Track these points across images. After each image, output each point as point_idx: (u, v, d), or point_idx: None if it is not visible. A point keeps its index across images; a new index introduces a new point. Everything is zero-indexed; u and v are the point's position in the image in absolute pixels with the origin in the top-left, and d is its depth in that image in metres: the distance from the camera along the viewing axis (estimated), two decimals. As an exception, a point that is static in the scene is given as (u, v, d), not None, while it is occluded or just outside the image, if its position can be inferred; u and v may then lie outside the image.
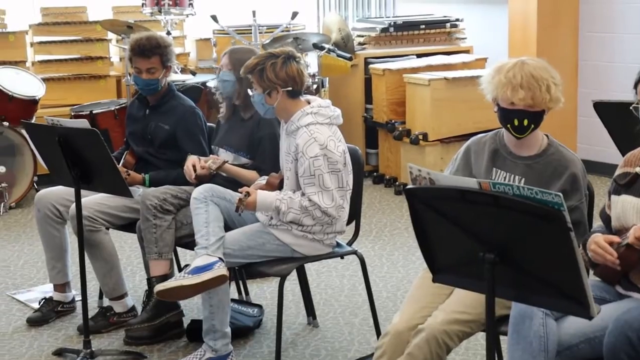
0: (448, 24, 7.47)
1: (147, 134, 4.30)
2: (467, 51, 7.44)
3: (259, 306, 4.37)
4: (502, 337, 2.98)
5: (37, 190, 6.27)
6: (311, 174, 3.60)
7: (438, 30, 7.45)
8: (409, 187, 2.52)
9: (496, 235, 2.38)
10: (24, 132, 6.14)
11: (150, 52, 4.18)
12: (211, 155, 4.08)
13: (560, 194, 2.24)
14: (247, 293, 4.56)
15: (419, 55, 7.18)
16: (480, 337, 3.82)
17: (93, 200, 4.12)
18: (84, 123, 3.62)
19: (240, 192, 3.60)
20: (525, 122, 3.02)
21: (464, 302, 2.98)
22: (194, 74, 6.73)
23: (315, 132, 3.62)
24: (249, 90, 3.74)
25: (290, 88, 3.66)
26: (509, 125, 3.06)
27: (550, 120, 3.19)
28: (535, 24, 6.82)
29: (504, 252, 2.38)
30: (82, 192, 3.74)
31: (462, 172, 3.18)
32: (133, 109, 4.44)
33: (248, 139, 4.02)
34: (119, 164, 4.03)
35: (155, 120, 4.29)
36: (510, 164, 3.12)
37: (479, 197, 2.35)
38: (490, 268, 2.40)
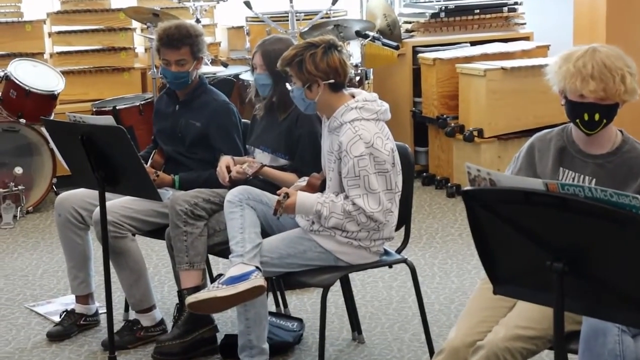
0: (505, 8, 7.42)
1: (177, 132, 4.32)
2: (526, 38, 7.37)
3: (299, 320, 4.37)
4: (571, 356, 2.95)
5: (57, 193, 6.36)
6: (356, 174, 3.59)
7: (494, 15, 7.40)
8: (467, 188, 2.50)
9: (565, 242, 2.35)
10: (42, 130, 6.21)
11: (179, 42, 4.20)
12: (247, 158, 4.09)
13: (639, 197, 2.21)
14: (285, 305, 4.57)
15: (473, 43, 7.13)
16: (545, 356, 3.78)
17: (118, 204, 4.15)
18: (109, 120, 3.64)
19: (279, 195, 3.61)
20: (597, 116, 2.98)
21: (528, 316, 2.95)
22: (225, 65, 6.76)
23: (361, 129, 3.61)
24: (287, 85, 3.74)
25: (332, 80, 3.66)
26: (578, 120, 3.02)
27: (624, 114, 3.14)
28: (605, 7, 6.74)
29: (574, 261, 2.36)
30: (107, 195, 3.76)
31: (524, 172, 3.15)
32: (161, 104, 4.46)
33: (286, 137, 4.02)
34: (146, 165, 4.05)
35: (186, 116, 4.31)
36: (579, 163, 3.08)
37: (546, 199, 2.32)
38: (559, 278, 2.38)
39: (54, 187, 6.47)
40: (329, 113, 3.70)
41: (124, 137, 3.56)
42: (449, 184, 6.63)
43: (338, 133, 3.66)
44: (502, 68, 6.32)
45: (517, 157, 3.23)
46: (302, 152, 3.99)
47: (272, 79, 4.01)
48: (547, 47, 7.03)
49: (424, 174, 6.95)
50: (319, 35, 6.64)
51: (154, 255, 5.44)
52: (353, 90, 3.81)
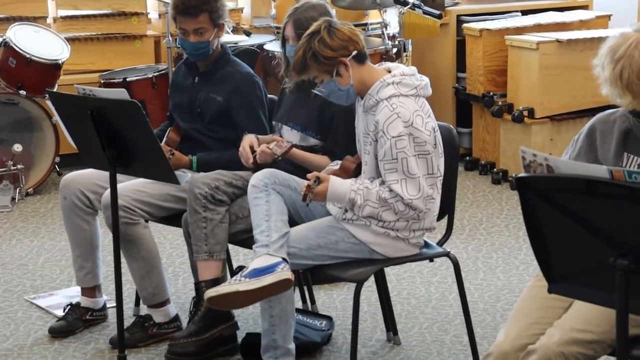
0: (562, -28, 7.40)
1: (195, 107, 4.35)
2: (585, 7, 7.34)
3: (329, 318, 4.39)
4: (633, 362, 2.96)
5: (60, 174, 6.46)
6: (393, 157, 3.60)
7: (549, -21, 7.38)
8: (521, 175, 2.50)
9: (631, 236, 2.35)
10: (44, 102, 6.26)
11: (197, 9, 4.22)
12: (274, 136, 4.10)
13: None
14: (313, 302, 4.59)
15: (525, 12, 7.11)
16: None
17: (130, 186, 4.19)
18: (122, 93, 3.67)
19: (309, 179, 3.63)
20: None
21: (586, 318, 2.95)
22: (248, 34, 6.78)
23: (399, 106, 3.62)
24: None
25: (354, 52, 3.67)
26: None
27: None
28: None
29: (641, 258, 2.36)
30: (118, 177, 3.79)
31: (584, 157, 3.15)
32: (179, 76, 4.49)
33: (318, 114, 4.04)
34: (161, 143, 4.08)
35: (206, 90, 4.33)
36: (646, 148, 3.08)
37: (611, 188, 2.32)
38: (623, 277, 2.38)
39: (56, 166, 6.53)
40: (363, 90, 3.72)
41: (139, 113, 3.58)
42: (495, 170, 6.63)
43: (374, 112, 3.67)
44: (557, 40, 6.30)
45: (576, 140, 3.23)
46: (336, 131, 4.01)
47: None
48: (609, 17, 7.00)
49: (467, 157, 6.96)
50: (350, 1, 6.68)
51: (167, 244, 5.48)
52: (389, 64, 3.83)
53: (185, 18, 4.25)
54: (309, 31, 3.72)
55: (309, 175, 3.65)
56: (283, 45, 4.18)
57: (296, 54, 3.70)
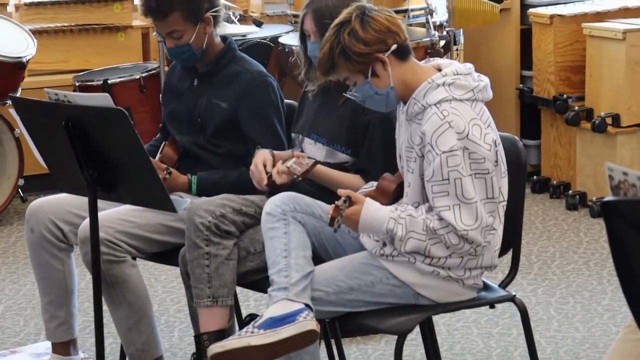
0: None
1: (195, 116, 4.36)
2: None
3: (362, 380, 4.39)
4: None
5: (24, 200, 6.48)
6: (444, 177, 3.60)
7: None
8: (608, 199, 2.49)
9: None
10: (7, 111, 6.28)
11: (160, 11, 4.25)
12: (293, 152, 4.11)
13: None
14: (343, 358, 4.58)
15: (607, -6, 7.13)
16: None
17: (114, 215, 4.20)
18: (104, 99, 3.68)
19: (339, 196, 3.61)
20: None
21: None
22: (259, 24, 6.81)
23: (451, 114, 3.63)
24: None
25: (394, 46, 3.67)
26: None
27: None
28: None
29: None
30: (99, 203, 3.80)
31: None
32: (174, 77, 4.51)
33: (349, 124, 4.04)
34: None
35: (208, 94, 4.35)
36: None
37: None
38: None
39: (20, 190, 6.54)
40: (406, 94, 3.72)
41: (125, 124, 3.60)
42: (570, 192, 6.63)
43: (420, 120, 3.67)
44: (649, 29, 6.33)
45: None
46: (371, 145, 4.01)
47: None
48: None
49: (535, 177, 6.96)
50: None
51: (159, 286, 5.50)
52: (439, 60, 3.83)
53: (155, 22, 4.30)
54: (337, 20, 3.72)
55: (339, 192, 3.64)
56: (302, 41, 4.19)
57: (321, 49, 3.70)
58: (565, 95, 6.64)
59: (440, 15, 6.81)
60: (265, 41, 6.65)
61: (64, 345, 4.47)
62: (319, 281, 3.71)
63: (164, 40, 4.32)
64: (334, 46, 3.67)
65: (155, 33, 4.48)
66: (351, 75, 3.71)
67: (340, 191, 3.64)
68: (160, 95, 4.77)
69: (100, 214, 3.85)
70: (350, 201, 3.62)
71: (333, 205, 3.61)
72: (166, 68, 6.38)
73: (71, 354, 4.49)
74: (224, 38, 4.44)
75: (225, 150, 4.33)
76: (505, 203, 3.74)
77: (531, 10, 6.88)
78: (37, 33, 6.78)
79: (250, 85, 4.32)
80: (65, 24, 7.19)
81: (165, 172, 4.18)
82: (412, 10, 7.09)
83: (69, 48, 7.14)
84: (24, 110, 3.99)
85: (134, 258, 4.24)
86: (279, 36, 6.72)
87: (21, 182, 6.50)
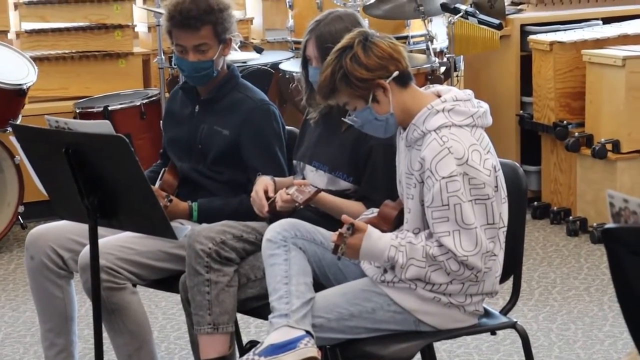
0: (651, -30, 7.43)
1: (196, 143, 4.37)
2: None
3: (363, 407, 4.37)
4: None
5: (24, 227, 6.47)
6: (443, 203, 3.60)
7: (636, -20, 7.41)
8: (609, 226, 2.49)
9: None
10: (7, 138, 6.28)
11: (198, 20, 4.25)
12: (295, 179, 4.11)
13: None
14: (343, 386, 4.58)
15: (606, 20, 7.13)
16: None
17: (115, 242, 4.20)
18: (104, 126, 3.68)
19: (343, 222, 3.61)
20: None
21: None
22: (259, 50, 6.81)
23: (450, 139, 3.63)
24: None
25: (395, 73, 3.68)
26: None
27: None
28: None
29: None
30: (100, 230, 3.80)
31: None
32: (175, 104, 4.51)
33: (351, 151, 4.05)
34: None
35: (209, 121, 4.35)
36: None
37: None
38: None
39: (20, 217, 6.53)
40: (406, 120, 3.72)
41: (126, 151, 3.59)
42: (570, 218, 6.62)
43: (419, 146, 3.67)
44: (649, 55, 6.33)
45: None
46: (373, 172, 4.01)
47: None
48: None
49: (535, 203, 6.95)
50: (387, 8, 6.72)
51: (160, 313, 5.48)
52: (438, 87, 3.84)
53: (184, 32, 4.27)
54: (339, 45, 3.73)
55: (343, 218, 3.64)
56: (304, 67, 4.20)
57: (323, 73, 3.71)
58: (565, 122, 6.64)
59: (441, 42, 6.82)
60: (266, 67, 6.66)
61: (64, 373, 4.47)
62: (319, 308, 3.71)
63: (186, 54, 4.28)
64: (336, 70, 3.68)
65: (166, 55, 4.44)
66: (351, 100, 3.71)
67: (344, 217, 3.64)
68: (161, 121, 4.78)
69: (100, 241, 3.86)
70: (352, 228, 3.61)
71: (337, 233, 3.61)
72: (167, 94, 6.39)
73: (71, 382, 4.49)
74: (227, 65, 4.44)
75: (225, 177, 4.34)
76: (505, 229, 3.75)
77: (531, 37, 6.88)
78: (37, 60, 6.80)
79: (253, 113, 4.33)
80: (66, 51, 7.20)
81: (166, 199, 4.18)
82: (413, 36, 7.12)
83: (69, 75, 7.15)
84: (24, 137, 3.99)
85: (134, 285, 4.24)
86: (280, 62, 6.73)
87: (21, 209, 6.50)
